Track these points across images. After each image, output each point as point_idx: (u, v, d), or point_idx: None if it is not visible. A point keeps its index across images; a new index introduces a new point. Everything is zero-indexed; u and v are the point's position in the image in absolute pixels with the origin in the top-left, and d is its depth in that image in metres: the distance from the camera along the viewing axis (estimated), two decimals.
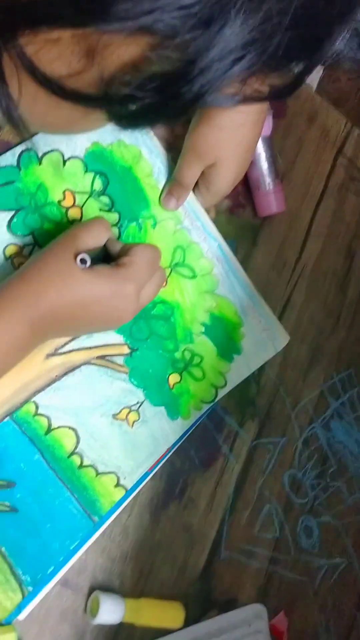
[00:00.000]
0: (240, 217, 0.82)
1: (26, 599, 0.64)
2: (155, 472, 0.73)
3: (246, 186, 0.82)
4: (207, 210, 0.76)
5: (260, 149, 0.79)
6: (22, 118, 0.45)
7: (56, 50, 0.40)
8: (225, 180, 0.71)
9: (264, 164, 0.80)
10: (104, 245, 0.62)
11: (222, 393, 0.76)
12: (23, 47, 0.39)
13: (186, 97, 0.40)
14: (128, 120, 0.45)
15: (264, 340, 0.78)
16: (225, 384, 0.76)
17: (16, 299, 0.56)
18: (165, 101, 0.42)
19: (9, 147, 0.67)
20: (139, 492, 0.72)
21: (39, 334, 0.59)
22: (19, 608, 0.64)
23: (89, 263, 0.58)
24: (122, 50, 0.39)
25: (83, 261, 0.58)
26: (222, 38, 0.37)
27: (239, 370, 0.77)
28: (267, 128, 0.78)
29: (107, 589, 0.70)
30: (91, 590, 0.70)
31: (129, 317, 0.61)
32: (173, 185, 0.72)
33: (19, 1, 0.36)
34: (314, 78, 0.91)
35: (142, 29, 0.36)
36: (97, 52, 0.39)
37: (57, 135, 0.68)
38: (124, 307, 0.60)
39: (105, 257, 0.62)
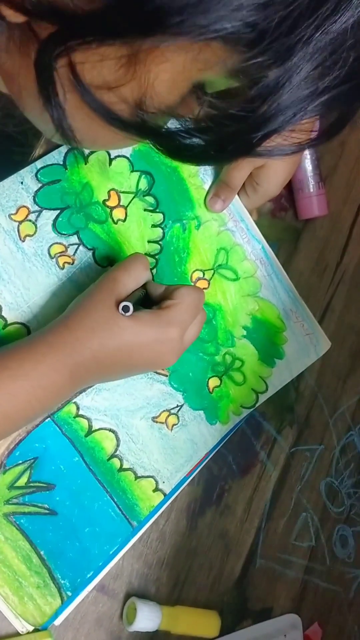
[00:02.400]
0: (283, 220, 0.81)
1: (65, 604, 0.63)
2: (193, 478, 0.72)
3: (289, 189, 0.81)
4: (250, 212, 0.75)
5: (306, 150, 0.78)
6: (72, 129, 0.43)
7: (98, 57, 0.37)
8: (275, 181, 0.70)
9: (308, 166, 0.79)
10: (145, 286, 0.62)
11: (263, 398, 0.74)
12: (72, 56, 0.37)
13: (251, 140, 0.38)
14: (178, 154, 0.43)
15: (307, 345, 0.77)
16: (267, 389, 0.74)
17: (58, 347, 0.56)
18: (221, 143, 0.40)
19: (56, 147, 0.67)
20: (176, 497, 0.71)
21: (79, 381, 0.58)
22: (57, 613, 0.63)
23: (131, 311, 0.56)
24: (168, 64, 0.37)
25: (126, 308, 0.56)
26: (301, 58, 0.34)
27: (280, 376, 0.75)
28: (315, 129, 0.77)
29: (142, 595, 0.69)
30: (127, 596, 0.69)
31: (173, 360, 0.60)
32: (220, 187, 0.71)
33: (80, 14, 0.34)
34: None
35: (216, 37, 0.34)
36: (140, 62, 0.37)
37: (104, 149, 0.67)
38: (168, 351, 0.59)
39: (146, 297, 0.62)
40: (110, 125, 0.41)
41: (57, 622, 0.64)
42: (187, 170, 0.71)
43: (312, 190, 0.79)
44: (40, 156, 0.67)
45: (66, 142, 0.45)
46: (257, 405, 0.74)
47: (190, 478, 0.72)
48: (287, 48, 0.34)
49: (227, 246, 0.73)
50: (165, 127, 0.41)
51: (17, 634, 0.63)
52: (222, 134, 0.40)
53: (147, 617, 0.66)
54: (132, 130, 0.41)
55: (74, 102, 0.41)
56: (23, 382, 0.54)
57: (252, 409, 0.74)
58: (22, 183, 0.65)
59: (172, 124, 0.42)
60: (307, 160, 0.78)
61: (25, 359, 0.55)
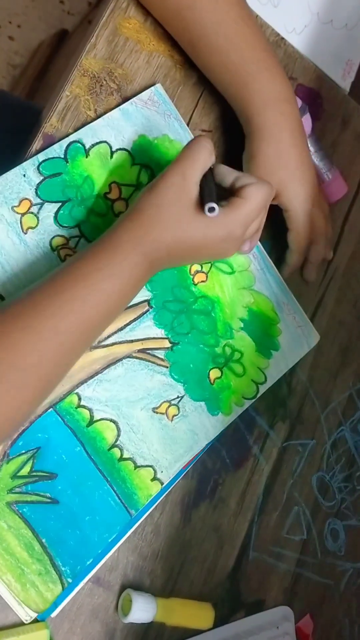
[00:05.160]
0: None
1: (66, 591, 0.63)
2: (187, 472, 0.73)
3: None
4: None
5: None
6: None
7: None
8: (296, 199, 0.75)
9: (315, 160, 0.82)
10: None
11: (262, 389, 0.76)
12: None
13: None
14: None
15: (299, 337, 0.79)
16: (265, 380, 0.76)
17: (138, 246, 0.59)
18: None
19: (53, 142, 0.67)
20: (171, 490, 0.72)
21: (151, 272, 0.62)
22: (57, 601, 0.63)
23: (216, 212, 0.58)
24: None
25: (211, 210, 0.58)
26: None
27: (277, 366, 0.77)
28: (307, 127, 0.79)
29: (137, 587, 0.70)
30: (122, 588, 0.69)
31: (233, 253, 0.65)
32: None
33: None
34: (348, 81, 0.91)
35: None
36: None
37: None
38: (231, 247, 0.63)
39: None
40: None
41: (54, 614, 0.64)
42: None
43: (329, 178, 0.84)
44: (40, 149, 0.67)
45: None
46: (258, 396, 0.75)
47: (186, 471, 0.72)
48: None
49: None
50: None
51: (14, 625, 0.63)
52: None
53: (142, 609, 0.67)
54: None
55: None
56: (115, 281, 0.58)
57: (253, 400, 0.75)
58: (24, 176, 0.66)
59: None
60: (312, 156, 0.81)
61: (112, 259, 0.58)
